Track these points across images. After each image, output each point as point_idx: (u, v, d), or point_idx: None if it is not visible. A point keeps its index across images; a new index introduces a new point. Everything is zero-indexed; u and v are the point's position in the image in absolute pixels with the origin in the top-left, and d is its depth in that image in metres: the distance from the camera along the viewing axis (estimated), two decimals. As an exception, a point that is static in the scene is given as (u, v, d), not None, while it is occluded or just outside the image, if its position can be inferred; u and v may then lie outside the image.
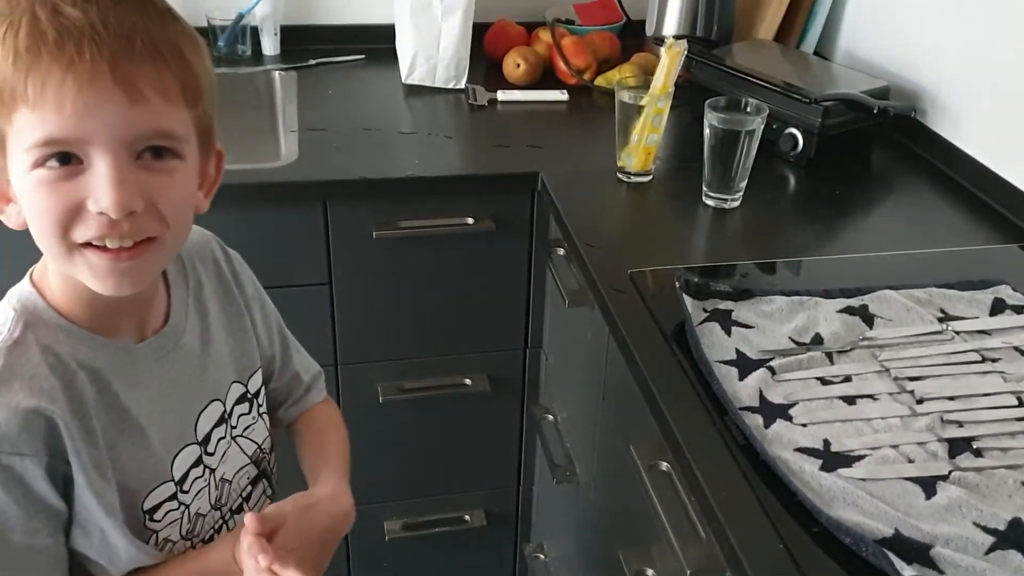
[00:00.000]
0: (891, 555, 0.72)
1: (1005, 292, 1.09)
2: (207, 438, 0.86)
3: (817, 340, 1.00)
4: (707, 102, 1.24)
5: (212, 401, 0.86)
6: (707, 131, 1.24)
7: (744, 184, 1.27)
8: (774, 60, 1.59)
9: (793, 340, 1.00)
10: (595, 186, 1.35)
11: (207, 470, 0.86)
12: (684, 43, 1.30)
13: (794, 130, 1.38)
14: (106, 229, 0.68)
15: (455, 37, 1.58)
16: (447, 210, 1.40)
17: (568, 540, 1.48)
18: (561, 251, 1.32)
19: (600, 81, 1.65)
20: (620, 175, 1.35)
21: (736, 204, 1.28)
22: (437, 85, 1.62)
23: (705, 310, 1.04)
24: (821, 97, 1.34)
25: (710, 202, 1.28)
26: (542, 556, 1.62)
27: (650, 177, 1.35)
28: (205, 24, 1.68)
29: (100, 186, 0.66)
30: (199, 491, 0.85)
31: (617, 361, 1.04)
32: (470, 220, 1.39)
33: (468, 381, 1.55)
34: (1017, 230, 1.26)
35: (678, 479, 0.91)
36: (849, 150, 1.43)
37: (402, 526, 1.66)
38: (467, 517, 1.69)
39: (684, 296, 1.05)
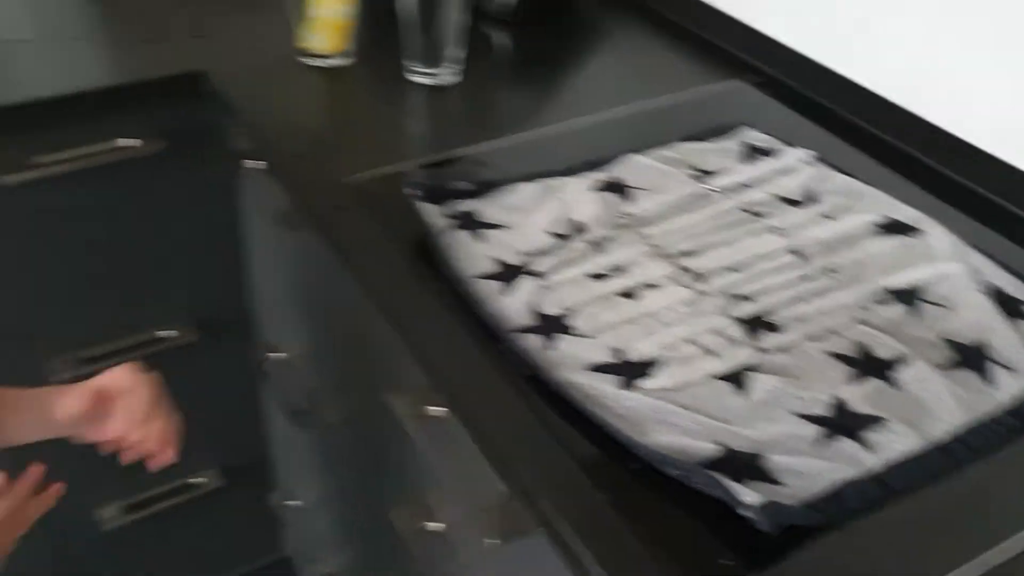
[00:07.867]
0: (726, 481, 0.61)
1: (749, 136, 1.01)
2: None
3: (578, 228, 0.86)
4: (395, -41, 1.03)
5: None
6: (400, -7, 1.04)
7: (458, 53, 1.09)
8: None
9: (551, 233, 0.86)
10: (283, 77, 1.10)
11: None
12: None
13: (497, -17, 1.22)
14: None
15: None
16: (96, 134, 1.09)
17: (321, 481, 1.31)
18: (251, 165, 1.08)
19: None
20: (307, 60, 1.12)
21: (452, 79, 1.10)
22: (49, -27, 1.27)
23: (445, 215, 0.87)
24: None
25: (419, 79, 1.09)
26: (294, 503, 1.44)
27: (349, 60, 1.13)
28: None
29: None
30: None
31: (353, 293, 0.85)
32: (125, 142, 1.10)
33: (172, 333, 1.29)
34: (737, 61, 1.18)
35: (456, 429, 0.75)
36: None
37: (121, 509, 1.39)
38: (202, 479, 1.46)
39: (418, 203, 0.87)
